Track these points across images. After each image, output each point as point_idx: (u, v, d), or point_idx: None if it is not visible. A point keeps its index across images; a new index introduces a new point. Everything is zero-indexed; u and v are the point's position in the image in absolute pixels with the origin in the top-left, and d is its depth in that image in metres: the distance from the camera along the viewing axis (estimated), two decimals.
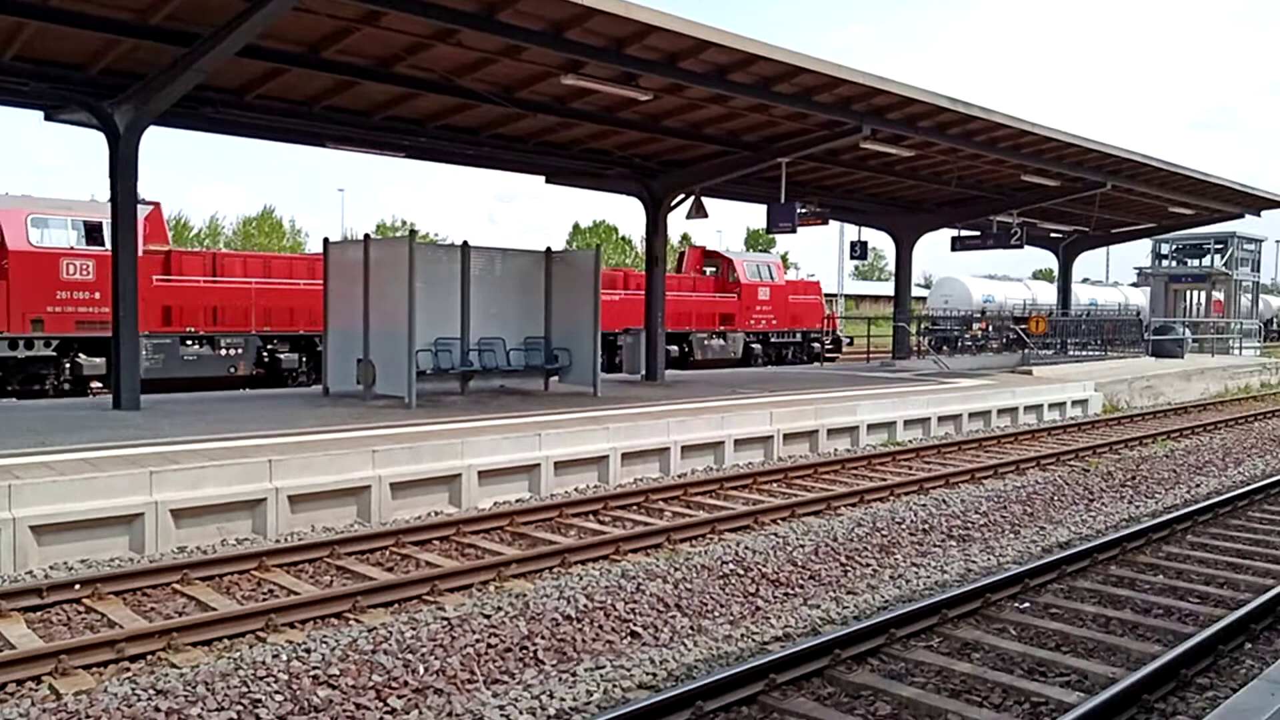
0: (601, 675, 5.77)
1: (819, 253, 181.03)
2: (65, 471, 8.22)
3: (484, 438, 10.68)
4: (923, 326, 31.66)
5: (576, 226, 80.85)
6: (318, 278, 16.89)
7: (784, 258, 53.12)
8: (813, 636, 6.32)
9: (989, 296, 43.10)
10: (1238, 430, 17.90)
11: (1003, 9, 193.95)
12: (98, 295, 16.91)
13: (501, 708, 5.27)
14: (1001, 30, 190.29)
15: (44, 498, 7.78)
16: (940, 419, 16.41)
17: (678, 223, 75.36)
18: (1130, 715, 5.21)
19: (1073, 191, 22.41)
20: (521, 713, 5.24)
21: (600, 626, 6.50)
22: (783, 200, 17.79)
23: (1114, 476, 12.56)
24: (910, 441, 15.27)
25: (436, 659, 5.81)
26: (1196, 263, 36.46)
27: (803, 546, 8.58)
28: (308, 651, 5.87)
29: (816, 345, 30.62)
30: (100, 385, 16.99)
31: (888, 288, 47.69)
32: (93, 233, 17.37)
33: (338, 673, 5.56)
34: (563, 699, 5.42)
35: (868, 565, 8.29)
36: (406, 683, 5.50)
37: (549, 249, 16.56)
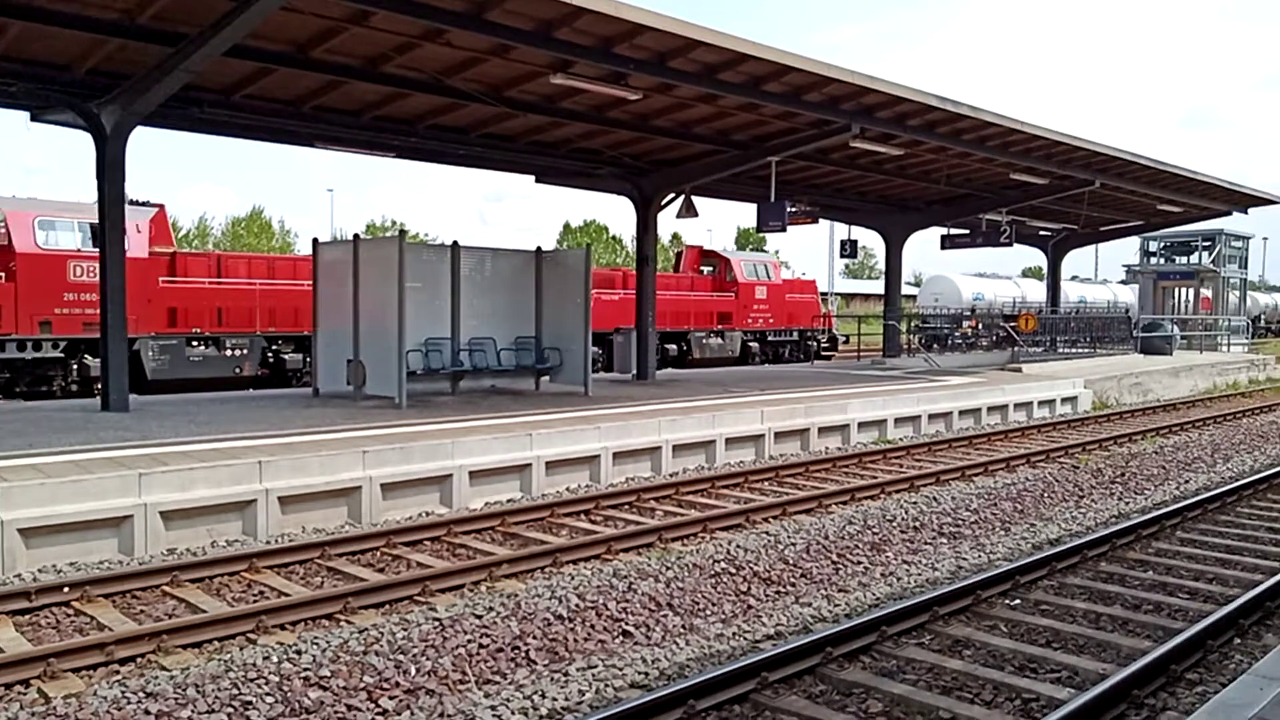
0: (593, 675, 5.77)
1: (809, 251, 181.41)
2: (53, 474, 8.17)
3: (475, 438, 10.66)
4: (913, 325, 31.74)
5: (567, 226, 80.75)
6: None
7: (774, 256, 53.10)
8: (804, 634, 6.33)
9: (979, 294, 43.26)
10: (1226, 426, 17.98)
11: (993, 9, 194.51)
12: None
13: (493, 708, 5.26)
14: (992, 30, 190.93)
15: (32, 500, 7.74)
16: (931, 416, 16.44)
17: (668, 222, 75.26)
18: (1121, 711, 5.23)
19: (1061, 190, 22.50)
20: (513, 713, 5.23)
21: (592, 626, 6.50)
22: (773, 199, 17.79)
23: (1104, 473, 12.61)
24: (901, 439, 15.30)
25: (428, 660, 5.80)
26: (1185, 260, 36.63)
27: (794, 545, 8.59)
28: (298, 653, 5.85)
29: (813, 343, 30.85)
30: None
31: (877, 286, 47.76)
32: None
33: (329, 674, 5.54)
34: (554, 699, 5.42)
35: (859, 563, 8.31)
36: (398, 684, 5.49)
37: (539, 248, 16.53)
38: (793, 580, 7.74)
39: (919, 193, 23.83)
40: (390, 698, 5.33)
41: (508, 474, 10.72)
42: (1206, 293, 35.83)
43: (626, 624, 6.58)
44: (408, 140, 15.83)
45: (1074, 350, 27.74)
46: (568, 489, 11.12)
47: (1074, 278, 52.00)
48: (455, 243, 15.21)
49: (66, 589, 7.02)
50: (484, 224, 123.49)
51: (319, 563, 8.15)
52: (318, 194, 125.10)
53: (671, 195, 18.96)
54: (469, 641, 6.09)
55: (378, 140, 15.76)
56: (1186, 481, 12.44)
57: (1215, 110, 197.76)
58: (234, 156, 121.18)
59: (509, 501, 10.47)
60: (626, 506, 10.43)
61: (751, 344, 29.04)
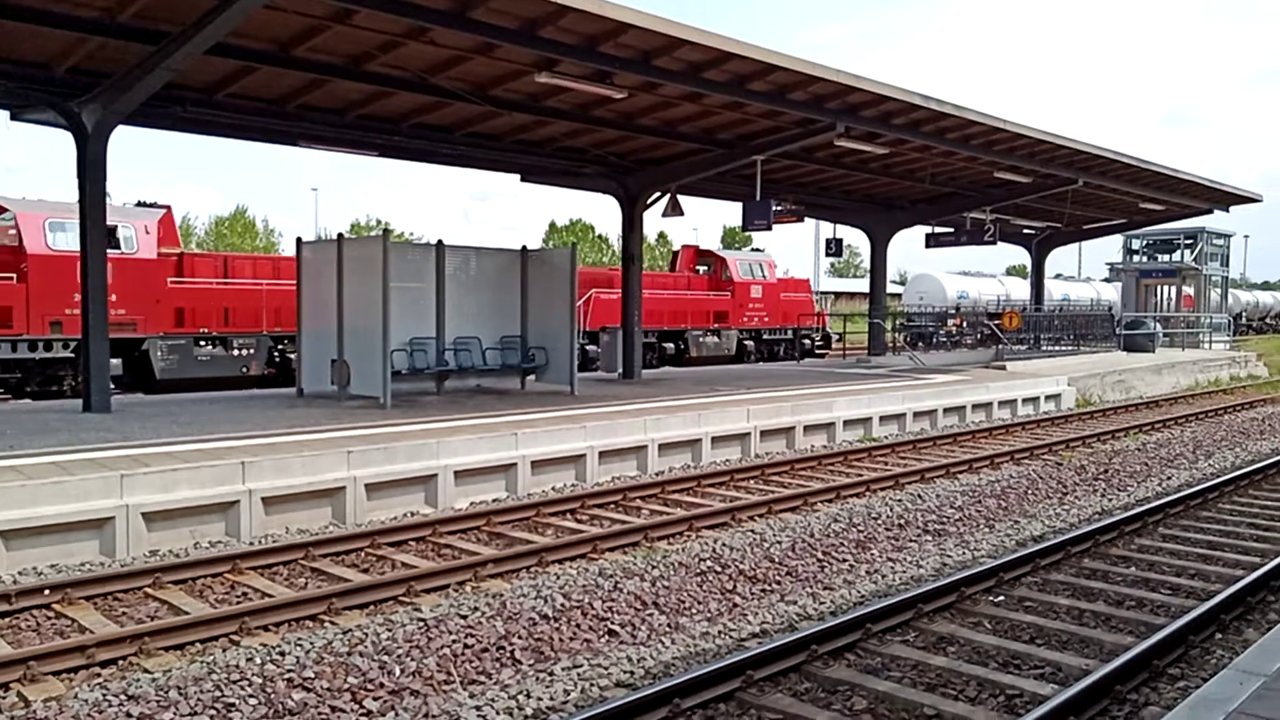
0: (579, 674, 5.77)
1: (795, 250, 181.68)
2: (34, 475, 8.10)
3: (460, 438, 10.63)
4: (898, 323, 31.89)
5: (553, 225, 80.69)
6: None
7: None
8: (790, 632, 6.34)
9: (963, 293, 43.44)
10: (1208, 423, 18.11)
11: (976, 8, 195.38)
12: (114, 297, 16.87)
13: (478, 708, 5.25)
14: (975, 28, 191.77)
15: (12, 502, 7.67)
16: (915, 414, 16.50)
17: (654, 221, 75.30)
18: (1103, 706, 5.26)
19: (1045, 188, 22.62)
20: (498, 713, 5.22)
21: (577, 625, 6.49)
22: (758, 198, 17.82)
23: (1087, 470, 12.68)
24: (886, 437, 15.34)
25: (413, 660, 5.78)
26: (1167, 258, 36.82)
27: (780, 543, 8.60)
28: (282, 654, 5.82)
29: (807, 341, 31.08)
30: (113, 386, 16.95)
31: (863, 285, 47.97)
32: (109, 236, 17.31)
33: (312, 675, 5.52)
34: (540, 698, 5.41)
35: (844, 561, 8.33)
36: (382, 684, 5.47)
37: (524, 247, 16.51)
38: (778, 578, 7.75)
39: (904, 191, 23.91)
40: (374, 699, 5.31)
41: (493, 474, 10.69)
42: (1189, 290, 36.04)
43: (612, 623, 6.57)
44: (392, 139, 15.77)
45: (1058, 348, 27.91)
46: (553, 488, 11.10)
47: (1058, 276, 52.26)
48: (440, 242, 15.17)
49: (47, 591, 6.96)
50: (469, 223, 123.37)
51: (303, 564, 8.11)
52: (302, 193, 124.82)
53: (657, 194, 18.96)
54: (454, 642, 6.07)
55: (362, 139, 15.70)
56: (1169, 478, 12.52)
57: (1196, 109, 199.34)
58: (218, 156, 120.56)
59: (494, 501, 10.44)
60: (612, 506, 10.42)
61: (747, 342, 29.26)
